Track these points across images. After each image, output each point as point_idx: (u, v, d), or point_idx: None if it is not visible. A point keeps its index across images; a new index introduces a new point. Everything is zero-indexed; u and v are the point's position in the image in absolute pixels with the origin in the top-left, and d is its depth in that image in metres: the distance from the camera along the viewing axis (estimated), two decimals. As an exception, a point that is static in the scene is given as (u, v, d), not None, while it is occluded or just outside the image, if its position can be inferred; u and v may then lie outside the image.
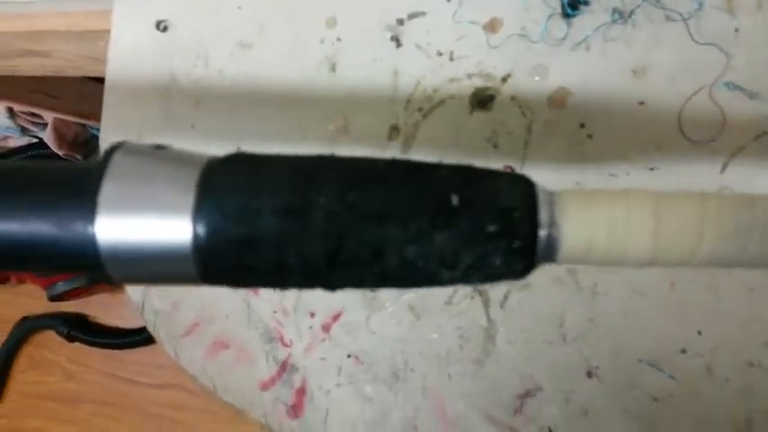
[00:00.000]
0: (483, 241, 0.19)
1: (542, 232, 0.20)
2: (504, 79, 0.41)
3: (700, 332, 0.36)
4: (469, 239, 0.19)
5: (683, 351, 0.36)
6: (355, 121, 0.45)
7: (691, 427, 0.36)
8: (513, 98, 0.41)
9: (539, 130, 0.40)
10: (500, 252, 0.20)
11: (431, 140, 0.43)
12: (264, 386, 0.47)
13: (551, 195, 0.20)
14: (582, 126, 0.39)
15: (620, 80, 0.39)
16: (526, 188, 0.20)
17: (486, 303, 0.41)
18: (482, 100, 0.42)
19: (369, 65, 0.45)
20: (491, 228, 0.19)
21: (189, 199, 0.19)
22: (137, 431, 1.09)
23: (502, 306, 0.41)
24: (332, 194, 0.19)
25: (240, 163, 0.20)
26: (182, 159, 0.20)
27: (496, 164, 0.41)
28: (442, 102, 0.43)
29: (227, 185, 0.19)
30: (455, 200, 0.19)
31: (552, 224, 0.20)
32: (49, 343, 1.16)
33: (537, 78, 0.41)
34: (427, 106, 0.43)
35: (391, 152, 0.44)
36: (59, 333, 1.08)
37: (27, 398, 1.18)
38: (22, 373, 1.19)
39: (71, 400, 1.14)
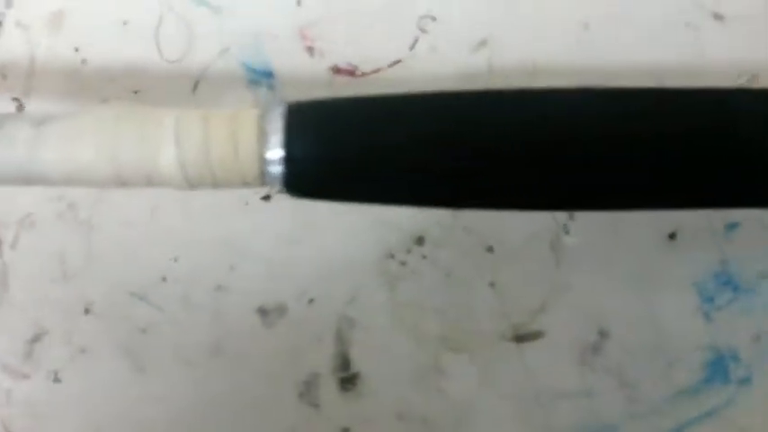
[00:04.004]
0: None
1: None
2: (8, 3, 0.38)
3: (176, 259, 0.35)
4: None
5: (164, 279, 0.35)
6: None
7: (170, 354, 0.35)
8: (17, 24, 0.38)
9: (41, 57, 0.38)
10: None
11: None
12: None
13: None
14: (77, 50, 0.37)
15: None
16: None
17: None
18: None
19: None
20: None
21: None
22: None
23: (12, 247, 0.38)
24: None
25: None
26: None
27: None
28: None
29: None
30: None
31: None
32: None
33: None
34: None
35: None
36: None
37: None
38: None
39: None
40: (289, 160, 0.20)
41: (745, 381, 0.30)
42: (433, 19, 0.32)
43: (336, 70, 0.33)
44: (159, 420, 0.35)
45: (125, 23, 0.36)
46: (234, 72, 0.34)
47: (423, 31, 0.32)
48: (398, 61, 0.32)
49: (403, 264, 0.32)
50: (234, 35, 0.34)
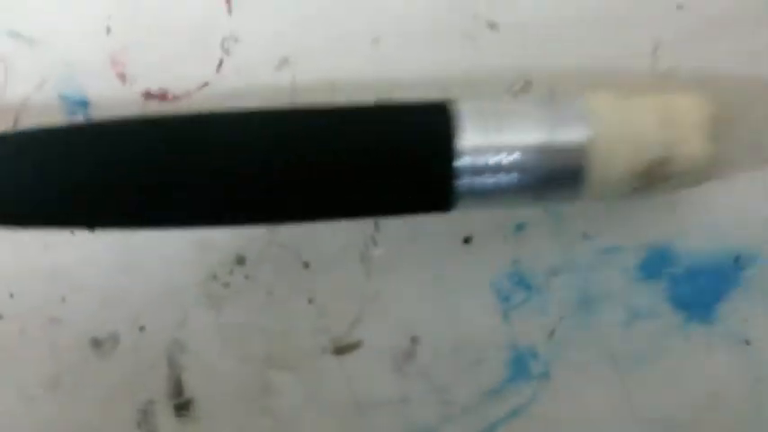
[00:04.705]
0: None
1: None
2: None
3: (12, 295, 0.35)
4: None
5: (1, 317, 0.35)
6: None
7: (12, 392, 0.35)
8: None
9: None
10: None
11: None
12: None
13: None
14: None
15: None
16: None
17: None
18: None
19: None
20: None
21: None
22: None
23: None
24: None
25: None
26: None
27: None
28: None
29: None
30: None
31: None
32: None
33: None
34: None
35: None
36: None
37: None
38: None
39: None
40: None
41: (544, 375, 0.31)
42: (236, 40, 0.32)
43: (148, 95, 0.33)
44: (3, 459, 0.35)
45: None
46: (52, 104, 0.34)
47: (227, 52, 0.32)
48: (207, 83, 0.33)
49: (226, 285, 0.33)
50: (50, 66, 0.35)
